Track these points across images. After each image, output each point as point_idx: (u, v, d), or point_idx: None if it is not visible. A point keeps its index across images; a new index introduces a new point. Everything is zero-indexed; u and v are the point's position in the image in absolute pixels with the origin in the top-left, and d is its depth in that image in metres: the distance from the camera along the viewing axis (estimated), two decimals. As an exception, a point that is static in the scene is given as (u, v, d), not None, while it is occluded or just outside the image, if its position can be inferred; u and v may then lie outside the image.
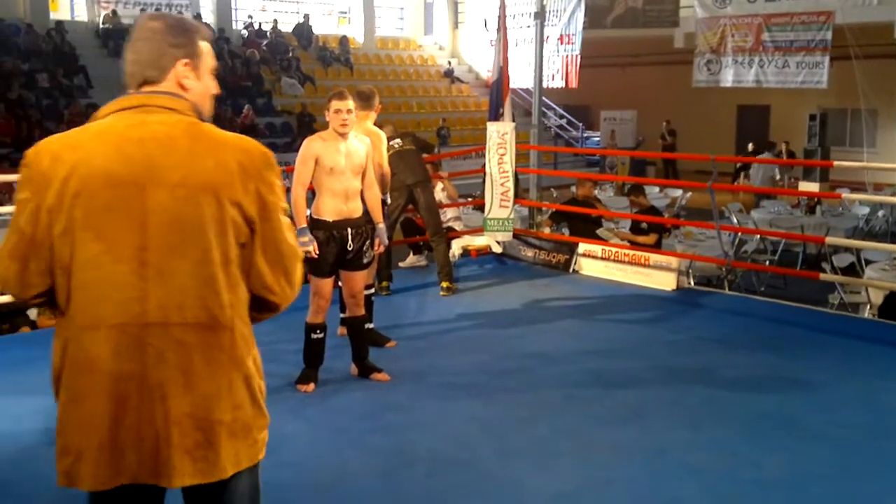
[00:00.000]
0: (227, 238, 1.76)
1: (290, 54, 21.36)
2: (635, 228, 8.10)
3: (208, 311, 1.75)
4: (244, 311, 1.86)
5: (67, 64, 17.38)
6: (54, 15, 19.15)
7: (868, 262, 7.96)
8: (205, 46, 1.89)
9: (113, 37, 19.15)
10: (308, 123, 17.99)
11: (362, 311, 4.53)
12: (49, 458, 3.50)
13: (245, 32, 21.66)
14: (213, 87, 1.91)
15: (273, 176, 1.83)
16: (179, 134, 1.77)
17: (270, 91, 19.91)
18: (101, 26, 19.46)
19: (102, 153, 1.73)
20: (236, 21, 22.12)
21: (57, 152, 1.74)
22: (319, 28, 23.38)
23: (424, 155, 6.89)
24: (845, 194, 9.28)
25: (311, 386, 4.35)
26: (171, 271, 1.72)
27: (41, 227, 1.72)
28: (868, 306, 6.95)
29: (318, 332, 4.34)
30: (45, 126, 15.31)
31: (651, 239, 7.74)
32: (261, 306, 1.91)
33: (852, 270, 7.98)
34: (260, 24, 22.04)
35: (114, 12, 19.71)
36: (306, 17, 22.88)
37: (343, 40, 22.96)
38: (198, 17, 20.97)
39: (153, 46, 1.82)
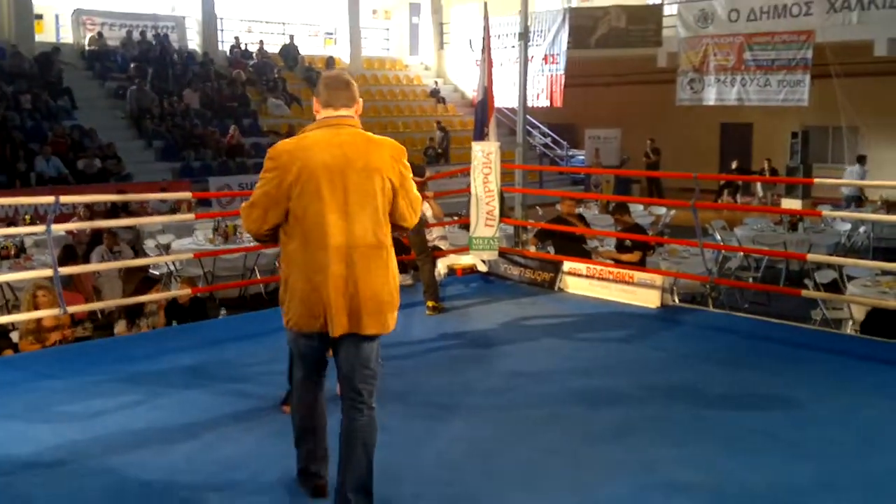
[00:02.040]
0: (385, 198, 3.17)
1: (277, 75, 21.42)
2: (620, 246, 8.15)
3: (377, 239, 3.12)
4: (390, 238, 3.21)
5: (52, 86, 17.35)
6: (39, 37, 19.14)
7: (850, 279, 8.04)
8: None
9: (99, 59, 19.15)
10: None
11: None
12: (34, 481, 3.45)
13: (231, 53, 21.72)
14: None
15: (406, 159, 3.26)
16: (359, 140, 3.15)
17: (256, 112, 19.94)
18: (86, 48, 19.45)
19: (319, 151, 3.08)
20: (222, 42, 22.18)
21: (291, 151, 3.09)
22: (305, 49, 23.47)
23: (413, 177, 6.92)
24: (826, 211, 9.38)
25: (297, 407, 4.33)
26: (359, 218, 3.08)
27: (281, 193, 3.06)
28: (850, 322, 7.02)
29: (303, 352, 4.33)
30: (30, 147, 15.26)
31: (635, 257, 7.78)
32: (399, 229, 3.33)
33: (835, 287, 8.06)
34: (246, 45, 22.11)
35: (99, 34, 19.72)
36: (292, 38, 22.97)
37: (329, 61, 23.05)
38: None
39: (351, 88, 3.22)
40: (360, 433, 3.15)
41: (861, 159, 16.97)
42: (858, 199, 15.04)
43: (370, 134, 3.21)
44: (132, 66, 18.87)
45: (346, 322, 3.06)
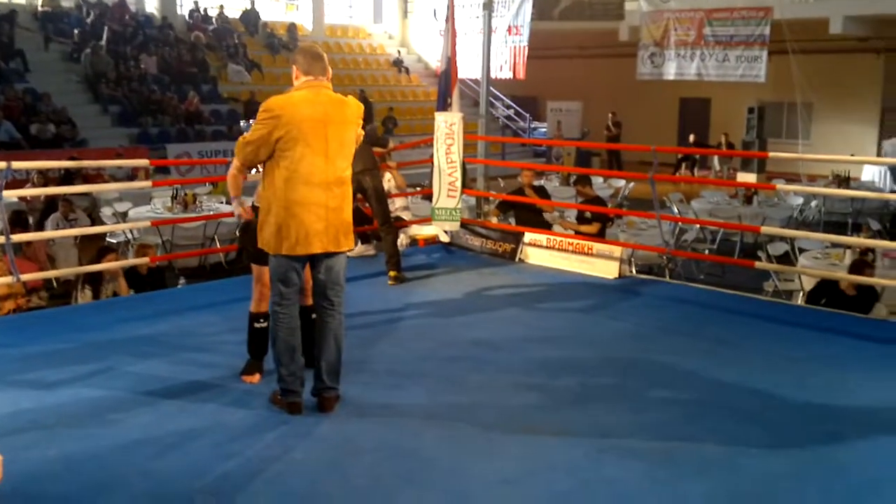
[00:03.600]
0: (353, 145, 3.99)
1: (237, 41, 21.03)
2: (580, 218, 8.24)
3: (345, 174, 3.92)
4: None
5: (3, 47, 16.81)
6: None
7: (801, 251, 8.25)
8: None
9: (52, 20, 18.58)
10: (255, 111, 17.75)
11: (310, 301, 4.53)
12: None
13: (190, 17, 21.23)
14: None
15: (362, 114, 4.04)
16: (335, 100, 3.91)
17: (216, 78, 19.58)
18: (39, 9, 18.85)
19: (305, 107, 3.80)
20: (181, 6, 21.67)
21: (283, 105, 3.79)
22: (267, 14, 23.06)
23: (376, 148, 6.91)
24: (780, 185, 9.58)
25: (257, 377, 4.34)
26: (337, 160, 3.86)
27: (272, 137, 3.77)
28: (801, 293, 7.21)
29: (262, 321, 4.30)
30: (-20, 111, 14.82)
31: (594, 228, 7.88)
32: None
33: (787, 259, 8.26)
34: (205, 9, 21.64)
35: (53, -6, 19.14)
36: (253, 2, 22.54)
37: (291, 27, 22.70)
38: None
39: (324, 59, 3.95)
40: (332, 330, 3.96)
41: None
42: None
43: (340, 95, 3.98)
44: (87, 28, 18.36)
45: (328, 242, 3.83)
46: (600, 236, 7.75)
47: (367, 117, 5.07)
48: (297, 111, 3.77)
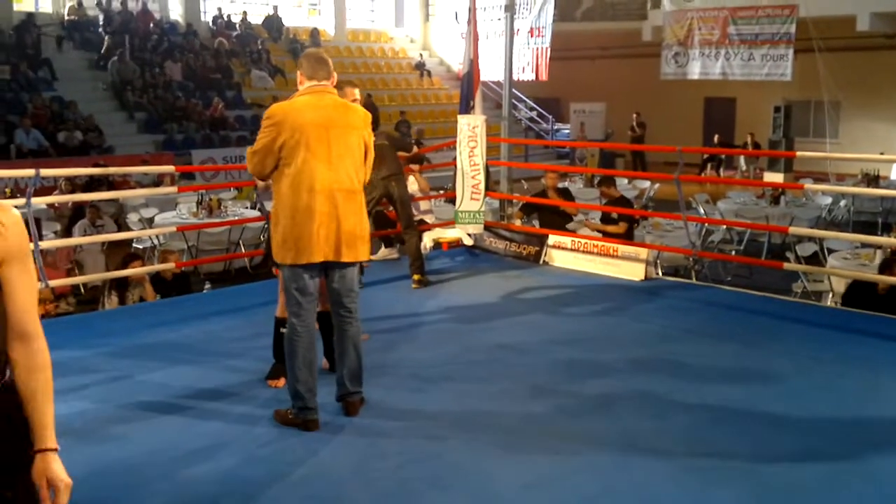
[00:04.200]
0: (360, 151, 3.89)
1: (260, 46, 21.18)
2: (605, 219, 8.19)
3: (354, 184, 3.83)
4: (362, 185, 3.94)
5: (31, 56, 17.07)
6: (17, 6, 18.79)
7: (830, 252, 8.13)
8: None
9: (78, 29, 18.84)
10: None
11: (327, 306, 4.54)
12: None
13: (213, 24, 21.43)
14: None
15: (370, 122, 4.01)
16: (339, 104, 3.86)
17: (240, 84, 19.73)
18: (66, 18, 19.12)
19: (308, 112, 3.74)
20: (205, 13, 21.88)
21: (286, 111, 3.74)
22: (289, 20, 23.20)
23: (402, 153, 6.94)
24: (808, 185, 9.47)
25: (283, 381, 4.34)
26: (341, 167, 3.77)
27: (276, 145, 3.69)
28: (830, 294, 7.11)
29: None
30: (9, 120, 15.05)
31: (621, 228, 7.82)
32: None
33: (815, 259, 8.15)
34: (229, 15, 21.83)
35: (79, 3, 19.39)
36: (276, 8, 22.70)
37: (314, 32, 22.81)
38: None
39: (329, 64, 3.88)
40: (351, 338, 3.98)
41: None
42: None
43: (345, 101, 3.98)
44: (112, 36, 18.59)
45: (329, 251, 3.73)
46: (627, 237, 7.69)
47: (374, 122, 5.08)
48: (299, 116, 3.70)
